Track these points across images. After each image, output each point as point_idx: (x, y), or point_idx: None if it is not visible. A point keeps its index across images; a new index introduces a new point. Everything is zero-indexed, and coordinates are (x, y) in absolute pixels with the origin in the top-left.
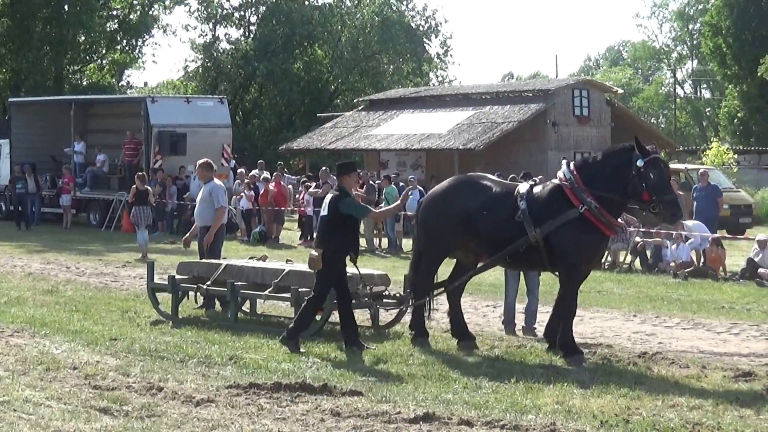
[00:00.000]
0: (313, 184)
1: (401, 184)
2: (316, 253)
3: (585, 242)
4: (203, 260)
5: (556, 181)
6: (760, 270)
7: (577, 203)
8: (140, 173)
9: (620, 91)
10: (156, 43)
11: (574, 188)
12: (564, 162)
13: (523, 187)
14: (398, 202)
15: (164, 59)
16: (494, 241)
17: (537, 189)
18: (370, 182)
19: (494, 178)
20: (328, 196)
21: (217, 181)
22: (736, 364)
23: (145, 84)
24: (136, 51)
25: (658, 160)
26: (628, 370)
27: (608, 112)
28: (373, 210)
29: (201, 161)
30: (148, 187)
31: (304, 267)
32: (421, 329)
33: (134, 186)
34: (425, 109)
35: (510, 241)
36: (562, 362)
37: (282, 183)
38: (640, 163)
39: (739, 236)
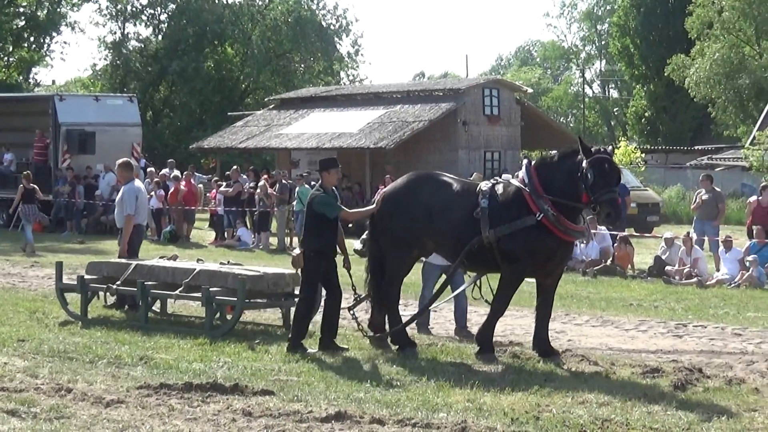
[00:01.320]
0: (224, 184)
1: (313, 183)
2: (299, 251)
3: (538, 249)
4: (113, 260)
5: (517, 182)
6: (667, 268)
7: (535, 210)
8: (26, 172)
9: (530, 90)
10: (64, 42)
11: (533, 194)
12: (525, 162)
13: (485, 184)
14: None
15: (72, 57)
16: (452, 239)
17: (499, 188)
18: (283, 181)
19: (452, 176)
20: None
21: (137, 182)
22: (644, 360)
23: (53, 82)
24: (44, 49)
25: (601, 160)
26: (538, 368)
27: (518, 112)
28: (345, 210)
29: (120, 161)
30: (35, 186)
31: (214, 266)
32: (406, 340)
33: (21, 185)
34: (336, 108)
35: (467, 240)
36: (472, 360)
37: (192, 182)
38: (584, 163)
39: (646, 234)
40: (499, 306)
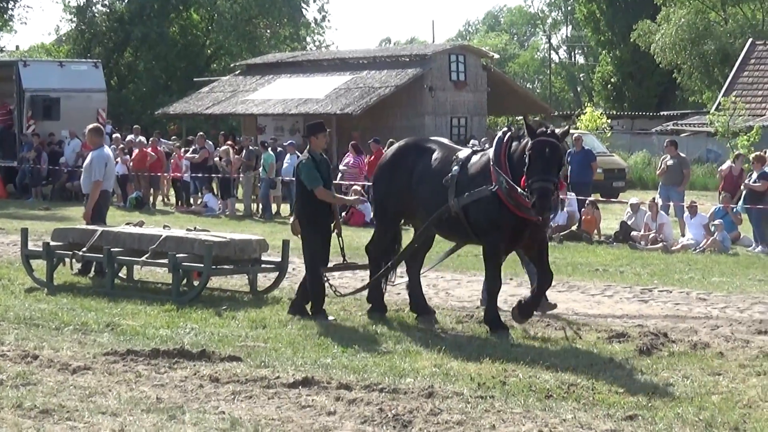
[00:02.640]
0: (191, 149)
1: (279, 149)
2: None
3: (499, 222)
4: (79, 226)
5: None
6: (633, 233)
7: (493, 180)
8: None
9: (496, 56)
10: (27, 6)
11: (495, 164)
12: (501, 131)
13: (463, 153)
14: (356, 197)
15: (35, 22)
16: (429, 206)
17: (474, 157)
18: (250, 148)
19: (445, 141)
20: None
21: (106, 149)
22: (609, 325)
23: (17, 48)
24: (6, 14)
25: (540, 143)
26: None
27: (485, 78)
28: (322, 188)
29: (90, 126)
30: None
31: (181, 233)
32: (378, 303)
33: None
34: (303, 73)
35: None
36: (440, 326)
37: (159, 148)
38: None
39: (612, 200)
40: (490, 284)
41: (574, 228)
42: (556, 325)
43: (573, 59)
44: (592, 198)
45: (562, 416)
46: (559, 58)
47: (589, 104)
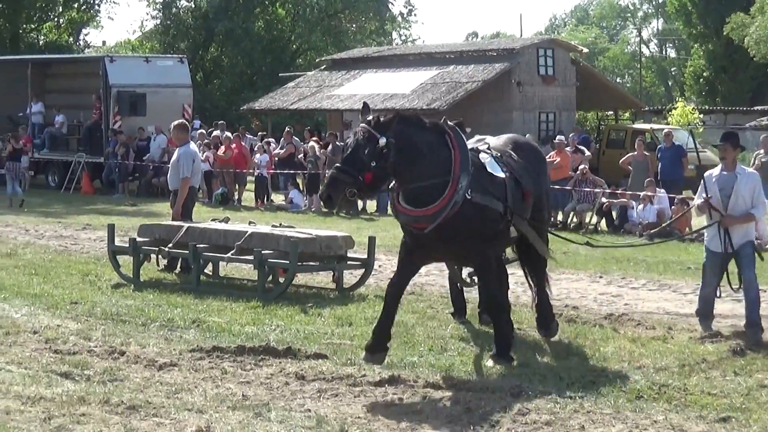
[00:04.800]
0: (276, 145)
1: None
2: None
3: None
4: (165, 222)
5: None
6: None
7: None
8: (14, 133)
9: (585, 50)
10: (113, 2)
11: None
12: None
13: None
14: None
15: (122, 18)
16: None
17: None
18: (336, 143)
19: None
20: None
21: (192, 145)
22: None
23: (104, 43)
24: (94, 9)
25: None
26: (594, 332)
27: (573, 72)
28: None
29: (176, 123)
30: (23, 147)
31: (267, 229)
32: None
33: (10, 143)
34: (388, 68)
35: None
36: (528, 325)
37: (243, 144)
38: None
39: None
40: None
41: (664, 225)
42: (647, 324)
43: (664, 53)
44: (683, 195)
45: (653, 417)
46: (650, 51)
47: (680, 99)
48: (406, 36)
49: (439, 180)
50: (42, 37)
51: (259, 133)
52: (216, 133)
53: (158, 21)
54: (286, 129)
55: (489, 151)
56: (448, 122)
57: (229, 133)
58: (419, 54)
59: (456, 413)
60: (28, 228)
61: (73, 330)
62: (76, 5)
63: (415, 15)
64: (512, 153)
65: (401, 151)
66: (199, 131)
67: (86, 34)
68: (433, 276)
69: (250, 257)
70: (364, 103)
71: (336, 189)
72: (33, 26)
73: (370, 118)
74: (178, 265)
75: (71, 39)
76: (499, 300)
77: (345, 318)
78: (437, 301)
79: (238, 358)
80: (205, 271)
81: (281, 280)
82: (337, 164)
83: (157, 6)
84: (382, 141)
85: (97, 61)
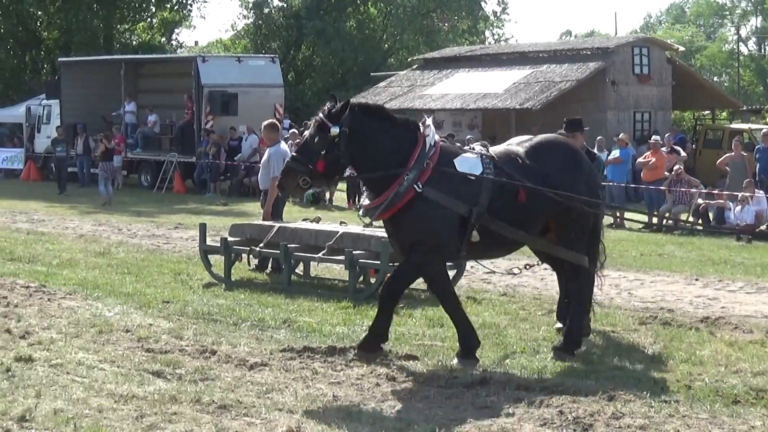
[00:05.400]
0: None
1: (457, 144)
2: None
3: None
4: (256, 222)
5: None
6: None
7: None
8: (107, 133)
9: (682, 49)
10: (205, 1)
11: None
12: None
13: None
14: None
15: (214, 18)
16: None
17: None
18: None
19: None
20: None
21: (283, 145)
22: None
23: (196, 43)
24: (186, 9)
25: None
26: (690, 335)
27: (669, 71)
28: None
29: (266, 123)
30: (115, 146)
31: (358, 229)
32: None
33: (102, 143)
34: (481, 68)
35: None
36: (621, 327)
37: None
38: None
39: None
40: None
41: (763, 227)
42: (744, 328)
43: (763, 51)
44: None
45: (750, 423)
46: (748, 50)
47: None
48: (499, 35)
49: (390, 172)
50: (135, 38)
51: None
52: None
53: (250, 20)
54: None
55: (475, 151)
56: (426, 120)
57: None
58: (512, 53)
59: (548, 416)
60: (121, 227)
61: (165, 329)
62: (168, 5)
63: (508, 14)
64: (520, 155)
65: (353, 141)
66: (291, 131)
67: (178, 34)
68: (526, 277)
69: (341, 257)
70: (330, 93)
71: (288, 177)
72: (126, 27)
73: (326, 107)
74: (269, 265)
75: (164, 39)
76: (449, 301)
77: (436, 319)
78: (530, 302)
79: (328, 358)
80: (296, 271)
81: (372, 280)
82: (293, 153)
83: (249, 5)
84: (334, 130)
85: (189, 61)
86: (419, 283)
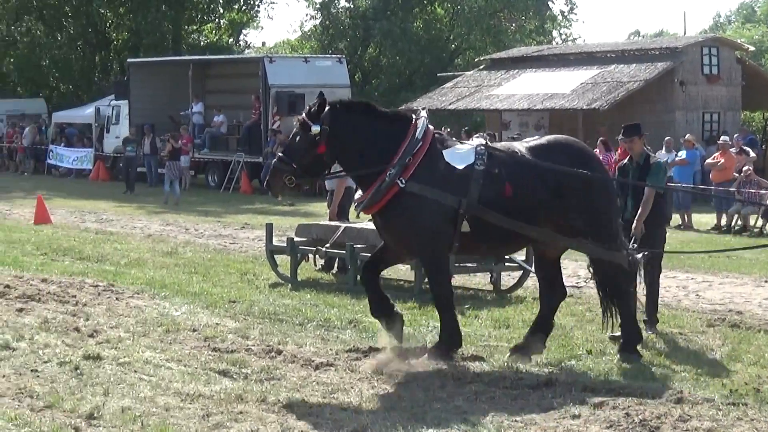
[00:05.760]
0: None
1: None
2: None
3: None
4: (322, 222)
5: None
6: None
7: None
8: (174, 133)
9: (752, 48)
10: (272, 2)
11: None
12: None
13: None
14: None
15: (281, 19)
16: None
17: None
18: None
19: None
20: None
21: None
22: None
23: (263, 44)
24: (253, 10)
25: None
26: (758, 338)
27: (739, 71)
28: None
29: None
30: (181, 147)
31: None
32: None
33: (169, 143)
34: (548, 68)
35: None
36: (689, 329)
37: None
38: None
39: None
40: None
41: None
42: None
43: None
44: None
45: None
46: None
47: None
48: (566, 35)
49: (372, 169)
50: (203, 38)
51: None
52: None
53: (317, 21)
54: (446, 130)
55: (470, 143)
56: (420, 113)
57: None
58: (580, 53)
59: (615, 418)
60: (189, 227)
61: (231, 328)
62: (236, 6)
63: (576, 14)
64: (519, 150)
65: (335, 139)
66: None
67: (246, 35)
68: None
69: None
70: (320, 92)
71: (274, 177)
72: (195, 27)
73: (309, 105)
74: (336, 265)
75: (231, 40)
76: (444, 297)
77: (502, 320)
78: (596, 304)
79: (395, 359)
80: None
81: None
82: (279, 153)
83: (316, 6)
84: (315, 129)
85: (256, 62)
86: (485, 284)
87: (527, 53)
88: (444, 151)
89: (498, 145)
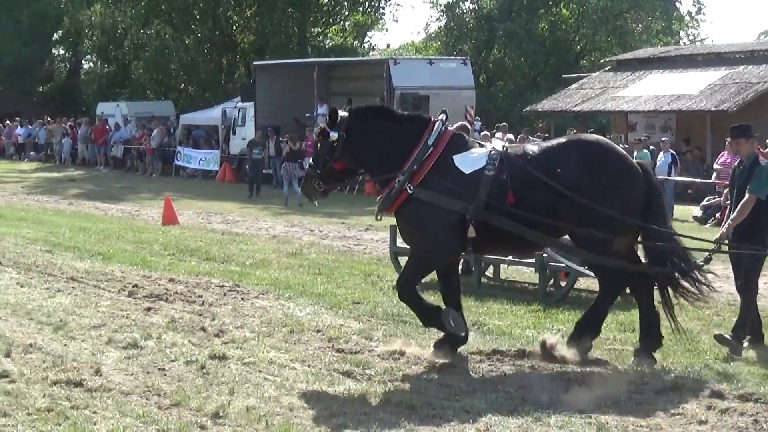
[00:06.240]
0: None
1: (651, 147)
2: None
3: None
4: None
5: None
6: None
7: None
8: (292, 135)
9: None
10: (398, 4)
11: None
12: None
13: None
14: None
15: (405, 20)
16: None
17: None
18: (620, 146)
19: None
20: None
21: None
22: None
23: (388, 46)
24: (378, 12)
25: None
26: None
27: None
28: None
29: (457, 125)
30: (302, 149)
31: None
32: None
33: (288, 145)
34: (675, 69)
35: None
36: None
37: None
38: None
39: None
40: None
41: None
42: None
43: None
44: None
45: None
46: None
47: None
48: (694, 35)
49: (384, 175)
50: (328, 41)
51: (540, 135)
52: (497, 135)
53: (442, 23)
54: (572, 132)
55: (483, 146)
56: (440, 115)
57: (510, 136)
58: (707, 54)
59: (743, 425)
60: (313, 228)
61: (355, 329)
62: (361, 9)
63: (704, 14)
64: (531, 153)
65: (352, 145)
66: (482, 133)
67: (371, 37)
68: (720, 282)
69: (532, 260)
70: (348, 99)
71: (305, 183)
72: (320, 30)
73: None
74: (459, 268)
75: (356, 42)
76: (409, 291)
77: (627, 324)
78: (723, 308)
79: (517, 361)
80: (486, 273)
81: (563, 284)
82: (310, 160)
83: (441, 8)
84: (333, 135)
85: (381, 64)
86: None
87: (654, 54)
88: (455, 156)
89: (514, 147)
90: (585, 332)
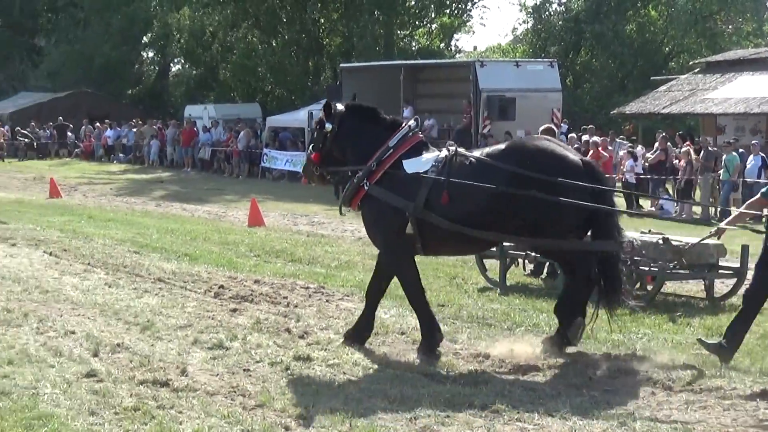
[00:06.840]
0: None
1: (741, 150)
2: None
3: None
4: None
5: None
6: None
7: None
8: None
9: None
10: (485, 6)
11: None
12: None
13: None
14: None
15: (492, 23)
16: None
17: None
18: (709, 148)
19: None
20: None
21: None
22: None
23: (474, 48)
24: (465, 14)
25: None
26: None
27: None
28: None
29: (543, 127)
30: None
31: (635, 235)
32: None
33: None
34: (766, 71)
35: None
36: None
37: (610, 148)
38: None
39: None
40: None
41: None
42: None
43: None
44: None
45: None
46: None
47: None
48: None
49: (353, 167)
50: (415, 43)
51: (629, 138)
52: (585, 137)
53: (529, 25)
54: (661, 135)
55: (434, 149)
56: (409, 122)
57: (597, 138)
58: None
59: None
60: None
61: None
62: (448, 11)
63: None
64: (475, 157)
65: (338, 138)
66: (570, 135)
67: (457, 39)
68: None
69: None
70: (353, 94)
71: (306, 166)
72: (406, 32)
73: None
74: (545, 270)
75: (443, 44)
76: (414, 292)
77: (715, 328)
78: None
79: (602, 365)
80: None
81: (649, 287)
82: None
83: (528, 10)
84: (327, 126)
85: (467, 66)
86: (698, 291)
87: (744, 56)
88: (404, 160)
89: (462, 152)
90: (566, 319)
